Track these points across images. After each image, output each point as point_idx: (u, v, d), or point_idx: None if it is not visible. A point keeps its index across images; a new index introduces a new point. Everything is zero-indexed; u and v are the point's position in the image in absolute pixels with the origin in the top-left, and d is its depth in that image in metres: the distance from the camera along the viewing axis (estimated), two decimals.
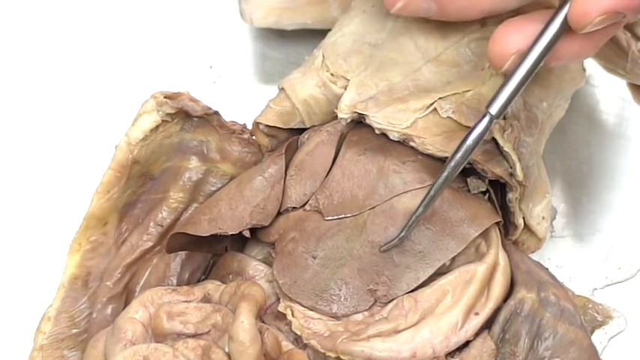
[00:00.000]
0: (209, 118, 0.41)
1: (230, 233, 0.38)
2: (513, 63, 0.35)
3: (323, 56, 0.41)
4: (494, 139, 0.38)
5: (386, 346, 0.35)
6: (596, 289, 0.48)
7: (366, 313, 0.37)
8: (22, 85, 0.53)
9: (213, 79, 0.54)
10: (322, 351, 0.35)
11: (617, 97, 0.53)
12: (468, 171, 0.39)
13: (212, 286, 0.37)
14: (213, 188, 0.41)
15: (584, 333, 0.36)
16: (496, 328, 0.36)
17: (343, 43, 0.41)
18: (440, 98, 0.39)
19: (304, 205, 0.39)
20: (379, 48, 0.41)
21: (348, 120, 0.40)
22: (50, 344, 0.38)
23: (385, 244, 0.37)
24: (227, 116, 0.41)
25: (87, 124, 0.51)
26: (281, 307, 0.37)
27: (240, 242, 0.41)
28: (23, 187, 0.50)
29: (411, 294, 0.36)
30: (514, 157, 0.38)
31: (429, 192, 0.36)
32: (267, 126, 0.42)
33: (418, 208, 0.36)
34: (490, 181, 0.39)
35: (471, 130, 0.35)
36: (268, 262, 0.39)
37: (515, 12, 0.37)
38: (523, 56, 0.34)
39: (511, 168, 0.39)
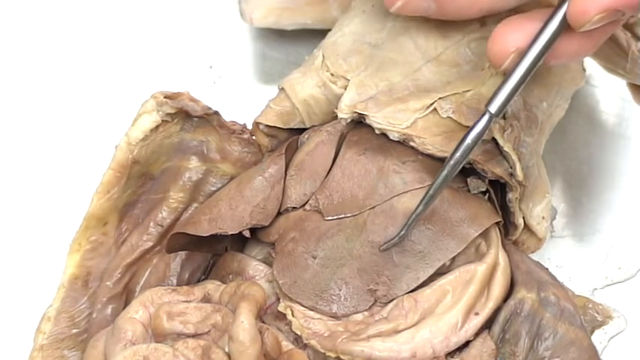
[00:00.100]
0: (209, 118, 0.41)
1: (230, 233, 0.38)
2: (512, 61, 0.35)
3: (323, 56, 0.41)
4: (494, 139, 0.38)
5: (386, 346, 0.34)
6: (596, 289, 0.48)
7: (366, 313, 0.37)
8: (22, 85, 0.53)
9: (213, 79, 0.54)
10: (322, 351, 0.35)
11: (617, 97, 0.53)
12: (468, 171, 0.39)
13: (212, 286, 0.37)
14: (213, 188, 0.41)
15: (584, 333, 0.36)
16: (496, 328, 0.36)
17: (343, 43, 0.41)
18: (440, 98, 0.39)
19: (304, 205, 0.39)
20: (379, 48, 0.41)
21: (348, 120, 0.40)
22: (50, 344, 0.38)
23: (385, 242, 0.37)
24: (227, 116, 0.41)
25: (87, 124, 0.51)
26: (281, 307, 0.37)
27: (240, 242, 0.41)
28: (23, 187, 0.50)
29: (411, 294, 0.36)
30: (514, 157, 0.38)
31: (428, 191, 0.36)
32: (267, 126, 0.42)
33: (418, 206, 0.36)
34: (490, 181, 0.39)
35: (470, 128, 0.35)
36: (268, 262, 0.39)
37: (515, 11, 0.37)
38: (522, 55, 0.34)
39: (511, 168, 0.39)
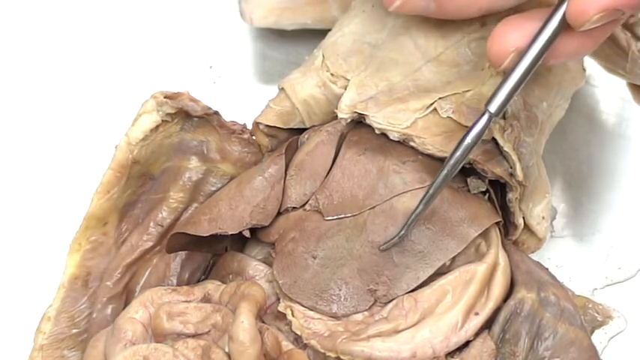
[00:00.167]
0: (209, 118, 0.41)
1: (230, 233, 0.38)
2: (512, 61, 0.35)
3: (323, 56, 0.41)
4: (494, 139, 0.38)
5: (386, 346, 0.34)
6: (596, 289, 0.48)
7: (366, 313, 0.37)
8: (22, 86, 0.53)
9: (213, 79, 0.54)
10: (322, 351, 0.35)
11: (617, 97, 0.53)
12: (468, 171, 0.39)
13: (212, 286, 0.37)
14: (213, 188, 0.41)
15: (584, 333, 0.36)
16: (496, 328, 0.36)
17: (343, 43, 0.41)
18: (440, 98, 0.39)
19: (304, 205, 0.39)
20: (379, 48, 0.41)
21: (348, 120, 0.40)
22: (50, 344, 0.38)
23: (385, 242, 0.37)
24: (227, 116, 0.41)
25: (87, 124, 0.51)
26: (281, 307, 0.37)
27: (240, 242, 0.41)
28: (23, 187, 0.50)
29: (411, 294, 0.36)
30: (514, 157, 0.38)
31: (428, 190, 0.36)
32: (267, 126, 0.42)
33: (418, 206, 0.36)
34: (490, 181, 0.39)
35: (470, 128, 0.35)
36: (268, 262, 0.39)
37: (514, 10, 0.37)
38: (522, 54, 0.34)
39: (511, 168, 0.39)
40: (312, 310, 0.36)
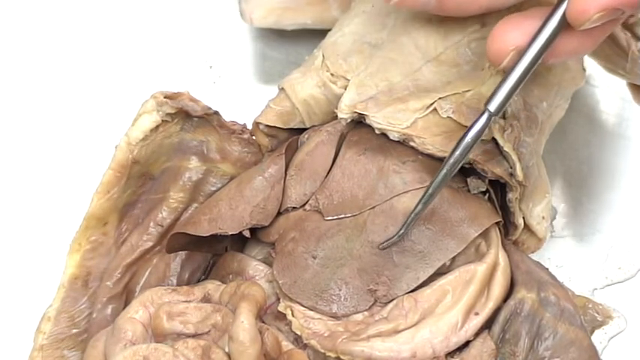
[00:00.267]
0: (209, 118, 0.41)
1: (230, 233, 0.38)
2: (512, 60, 0.35)
3: (323, 56, 0.41)
4: (494, 139, 0.38)
5: (386, 346, 0.34)
6: (596, 289, 0.48)
7: (366, 313, 0.36)
8: (22, 86, 0.53)
9: (213, 79, 0.54)
10: (322, 351, 0.35)
11: (617, 97, 0.53)
12: (468, 171, 0.39)
13: (212, 286, 0.37)
14: (213, 188, 0.41)
15: (584, 333, 0.36)
16: (496, 328, 0.36)
17: (343, 43, 0.41)
18: (440, 98, 0.39)
19: (304, 205, 0.39)
20: (379, 48, 0.41)
21: (348, 120, 0.40)
22: (50, 344, 0.38)
23: (385, 241, 0.37)
24: (227, 116, 0.41)
25: (87, 124, 0.51)
26: (281, 307, 0.37)
27: (240, 242, 0.41)
28: (23, 187, 0.50)
29: (411, 294, 0.36)
30: (514, 157, 0.38)
31: (427, 189, 0.36)
32: (267, 126, 0.42)
33: (417, 205, 0.36)
34: (490, 181, 0.39)
35: (469, 127, 0.35)
36: (268, 262, 0.39)
37: (514, 8, 0.37)
38: (521, 53, 0.34)
39: (511, 168, 0.39)
40: (312, 310, 0.36)
